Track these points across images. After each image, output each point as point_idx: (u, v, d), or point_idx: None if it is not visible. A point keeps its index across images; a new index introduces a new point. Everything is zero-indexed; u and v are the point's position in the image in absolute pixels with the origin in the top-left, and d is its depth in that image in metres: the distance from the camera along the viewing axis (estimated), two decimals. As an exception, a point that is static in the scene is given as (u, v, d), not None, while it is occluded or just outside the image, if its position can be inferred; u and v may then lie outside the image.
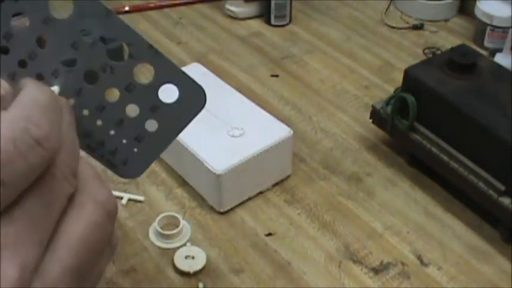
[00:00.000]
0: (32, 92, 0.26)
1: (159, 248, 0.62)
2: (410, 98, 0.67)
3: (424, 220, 0.66)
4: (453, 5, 1.00)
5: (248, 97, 0.72)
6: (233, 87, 0.74)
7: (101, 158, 0.32)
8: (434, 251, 0.62)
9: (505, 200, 0.61)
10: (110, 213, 0.28)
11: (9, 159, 0.23)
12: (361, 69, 0.88)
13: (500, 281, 0.60)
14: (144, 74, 0.33)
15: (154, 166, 0.70)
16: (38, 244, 0.25)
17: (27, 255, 0.24)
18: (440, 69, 0.67)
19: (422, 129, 0.67)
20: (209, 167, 0.62)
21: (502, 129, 0.60)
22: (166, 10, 1.02)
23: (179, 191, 0.68)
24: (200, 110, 0.31)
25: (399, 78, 0.70)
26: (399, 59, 0.90)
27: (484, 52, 0.83)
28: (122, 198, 0.67)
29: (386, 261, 0.61)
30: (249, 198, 0.67)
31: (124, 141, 0.32)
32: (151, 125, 0.31)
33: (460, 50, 0.69)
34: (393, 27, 0.97)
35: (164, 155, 0.71)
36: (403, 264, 0.61)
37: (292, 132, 0.67)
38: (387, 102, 0.70)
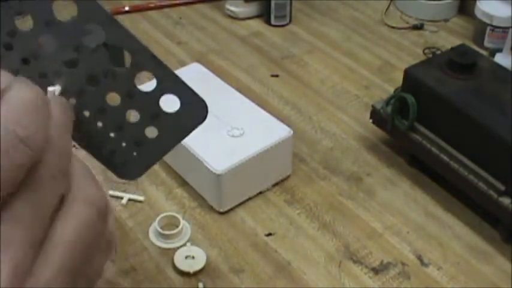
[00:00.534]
0: (17, 91, 0.26)
1: (159, 248, 0.62)
2: (410, 98, 0.67)
3: (424, 220, 0.66)
4: (453, 5, 1.00)
5: (248, 97, 0.72)
6: (233, 87, 0.74)
7: (100, 158, 0.32)
8: (434, 251, 0.62)
9: (505, 200, 0.61)
10: (101, 211, 0.28)
11: None
12: (361, 69, 0.88)
13: (500, 281, 0.60)
14: (146, 81, 0.33)
15: (154, 166, 0.70)
16: (30, 244, 0.25)
17: (19, 255, 0.24)
18: (440, 69, 0.67)
19: (422, 129, 0.67)
20: (209, 167, 0.62)
21: (502, 129, 0.60)
22: (166, 10, 1.02)
23: (179, 191, 0.68)
24: (201, 122, 0.31)
25: (399, 78, 0.70)
26: (399, 59, 0.90)
27: (484, 52, 0.83)
28: (122, 198, 0.67)
29: (386, 261, 0.61)
30: (249, 198, 0.67)
31: (123, 144, 0.32)
32: (151, 132, 0.31)
33: (460, 50, 0.69)
34: (393, 27, 0.97)
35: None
36: (403, 264, 0.61)
37: (292, 132, 0.67)
38: (387, 102, 0.70)
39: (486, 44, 0.90)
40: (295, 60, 0.90)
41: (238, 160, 0.63)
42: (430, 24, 0.98)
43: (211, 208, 0.66)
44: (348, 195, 0.69)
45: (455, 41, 0.91)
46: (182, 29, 0.97)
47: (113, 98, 0.30)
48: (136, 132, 0.31)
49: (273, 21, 0.97)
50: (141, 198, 0.67)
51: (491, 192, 0.62)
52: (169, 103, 0.31)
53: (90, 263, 0.28)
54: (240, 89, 0.75)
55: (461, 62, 0.66)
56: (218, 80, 0.74)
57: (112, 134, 0.31)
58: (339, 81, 0.86)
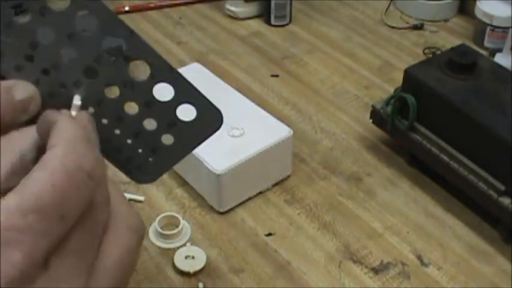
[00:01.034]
0: (68, 126, 0.26)
1: (159, 248, 0.62)
2: (410, 98, 0.67)
3: (424, 220, 0.66)
4: (453, 5, 1.00)
5: (248, 97, 0.72)
6: (233, 87, 0.74)
7: (115, 163, 0.33)
8: (434, 251, 0.62)
9: (505, 200, 0.61)
10: (140, 237, 0.29)
11: (67, 195, 0.24)
12: (361, 69, 0.88)
13: (500, 281, 0.60)
14: (163, 91, 0.33)
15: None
16: (86, 273, 0.25)
17: (81, 284, 0.25)
18: (440, 69, 0.67)
19: (422, 129, 0.67)
20: (209, 167, 0.62)
21: (502, 129, 0.60)
22: (166, 10, 1.02)
23: (179, 191, 0.68)
24: (216, 130, 0.32)
25: (399, 78, 0.70)
26: (399, 59, 0.90)
27: (484, 52, 0.83)
28: (122, 198, 0.67)
29: (386, 261, 0.61)
30: (249, 198, 0.67)
31: (140, 150, 0.33)
32: (168, 139, 0.32)
33: (460, 50, 0.69)
34: (393, 27, 0.97)
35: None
36: (403, 264, 0.61)
37: (292, 132, 0.67)
38: (387, 102, 0.70)
39: (486, 44, 0.90)
40: (295, 60, 0.90)
41: (238, 160, 0.63)
42: (430, 24, 0.98)
43: (211, 208, 0.66)
44: (348, 195, 0.69)
45: (455, 41, 0.91)
46: (182, 29, 0.97)
47: (131, 107, 0.31)
48: (153, 139, 0.32)
49: (273, 21, 0.97)
50: (141, 198, 0.67)
51: (491, 192, 0.62)
52: (186, 112, 0.31)
53: (126, 283, 0.29)
54: (240, 89, 0.75)
55: (461, 62, 0.66)
56: (218, 80, 0.74)
57: (129, 141, 0.32)
58: (339, 81, 0.86)
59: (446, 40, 0.94)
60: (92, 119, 0.29)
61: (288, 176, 0.70)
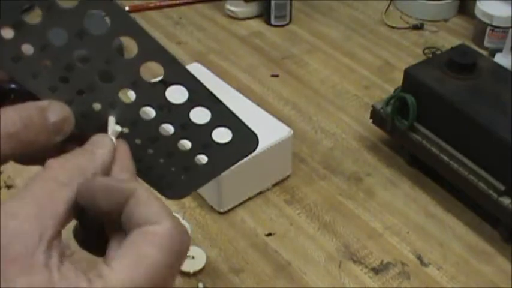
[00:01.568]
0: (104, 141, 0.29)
1: (159, 248, 0.62)
2: (410, 98, 0.67)
3: (424, 220, 0.66)
4: (453, 5, 1.00)
5: (248, 97, 0.72)
6: (233, 87, 0.74)
7: (147, 180, 0.33)
8: (434, 251, 0.62)
9: (505, 200, 0.61)
10: (175, 256, 0.28)
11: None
12: (361, 69, 0.88)
13: (500, 281, 0.60)
14: (200, 114, 0.33)
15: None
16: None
17: None
18: (440, 69, 0.67)
19: (422, 129, 0.67)
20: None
21: (502, 129, 0.60)
22: (166, 10, 1.02)
23: (179, 191, 0.68)
24: (251, 153, 0.32)
25: (399, 78, 0.70)
26: (399, 59, 0.90)
27: (484, 52, 0.83)
28: (122, 198, 0.67)
29: (386, 261, 0.61)
30: (249, 198, 0.67)
31: (173, 169, 0.33)
32: (201, 159, 0.32)
33: (460, 50, 0.69)
34: (393, 27, 0.97)
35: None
36: (403, 264, 0.61)
37: (292, 132, 0.67)
38: (387, 102, 0.70)
39: (486, 44, 0.90)
40: (295, 60, 0.90)
41: (238, 160, 0.63)
42: (430, 24, 0.98)
43: (211, 208, 0.66)
44: (348, 195, 0.68)
45: (455, 41, 0.91)
46: (182, 29, 0.97)
47: (166, 129, 0.31)
48: (186, 159, 0.32)
49: (273, 21, 0.97)
50: (141, 198, 0.67)
51: (491, 192, 0.62)
52: (221, 134, 0.31)
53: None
54: (240, 89, 0.75)
55: (461, 62, 0.66)
56: (218, 80, 0.74)
57: (162, 160, 0.32)
58: (339, 81, 0.86)
59: (446, 40, 0.94)
60: (126, 145, 0.30)
61: (288, 176, 0.70)
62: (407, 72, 0.68)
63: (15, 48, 0.28)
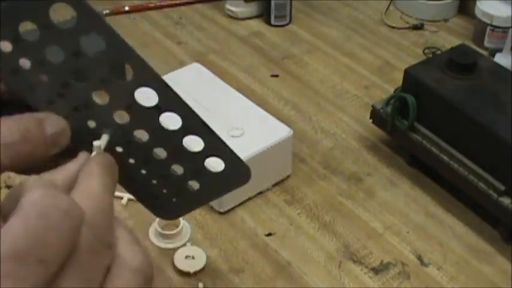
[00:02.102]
0: (88, 182, 0.27)
1: (159, 248, 0.62)
2: (410, 98, 0.67)
3: (424, 220, 0.66)
4: (453, 5, 1.00)
5: (248, 97, 0.72)
6: (233, 87, 0.74)
7: (139, 199, 0.34)
8: (434, 251, 0.62)
9: (505, 200, 0.61)
10: (147, 278, 0.28)
11: (42, 237, 0.23)
12: (361, 69, 0.88)
13: (500, 281, 0.60)
14: (193, 141, 0.34)
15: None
16: None
17: None
18: (440, 69, 0.67)
19: (422, 129, 0.67)
20: (209, 167, 0.62)
21: (502, 129, 0.60)
22: (166, 10, 1.02)
23: (179, 191, 0.68)
24: (242, 184, 0.32)
25: (399, 78, 0.70)
26: (399, 59, 0.90)
27: (484, 52, 0.83)
28: (121, 198, 0.67)
29: (386, 261, 0.61)
30: (249, 198, 0.67)
31: (164, 191, 0.33)
32: (193, 185, 0.33)
33: (460, 50, 0.69)
34: (393, 27, 0.97)
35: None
36: (403, 264, 0.61)
37: (292, 132, 0.67)
38: (387, 102, 0.70)
39: (486, 44, 0.90)
40: (295, 60, 0.90)
41: (238, 160, 0.63)
42: (430, 24, 0.98)
43: (211, 208, 0.66)
44: (348, 195, 0.69)
45: (455, 41, 0.91)
46: (182, 29, 0.97)
47: (159, 152, 0.31)
48: (179, 183, 0.33)
49: (273, 21, 0.97)
50: (141, 198, 0.67)
51: (491, 192, 0.62)
52: (214, 163, 0.32)
53: None
54: (240, 89, 0.75)
55: (461, 62, 0.66)
56: (218, 80, 0.74)
57: (154, 181, 0.33)
58: (339, 81, 0.86)
59: (446, 40, 0.94)
60: (112, 160, 0.29)
61: (288, 176, 0.70)
62: (407, 72, 0.68)
63: (14, 61, 0.28)
